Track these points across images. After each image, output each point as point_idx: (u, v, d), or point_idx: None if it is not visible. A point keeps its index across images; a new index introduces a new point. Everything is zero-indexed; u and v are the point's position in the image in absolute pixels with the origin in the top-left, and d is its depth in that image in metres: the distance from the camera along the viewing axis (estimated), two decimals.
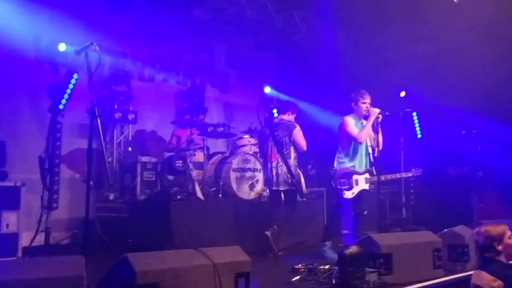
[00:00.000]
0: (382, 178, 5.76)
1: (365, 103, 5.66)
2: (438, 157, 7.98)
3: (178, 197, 6.19)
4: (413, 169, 6.22)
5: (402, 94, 8.33)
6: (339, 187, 5.56)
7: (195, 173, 6.67)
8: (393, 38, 8.72)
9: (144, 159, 7.09)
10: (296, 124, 6.14)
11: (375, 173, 5.64)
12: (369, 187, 5.68)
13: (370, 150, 5.80)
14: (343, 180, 5.57)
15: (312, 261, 5.08)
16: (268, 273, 4.99)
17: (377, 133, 5.55)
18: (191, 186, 6.54)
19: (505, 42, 7.27)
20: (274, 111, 9.13)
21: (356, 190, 5.58)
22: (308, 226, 6.93)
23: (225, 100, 9.26)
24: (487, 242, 3.48)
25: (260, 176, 6.79)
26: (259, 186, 6.75)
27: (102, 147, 3.71)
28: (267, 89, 9.20)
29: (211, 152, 7.34)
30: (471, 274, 5.00)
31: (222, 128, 7.31)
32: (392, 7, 7.65)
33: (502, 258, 3.47)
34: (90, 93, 3.67)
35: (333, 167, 5.83)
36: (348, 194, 5.55)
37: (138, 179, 6.89)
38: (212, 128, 7.23)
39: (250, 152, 6.99)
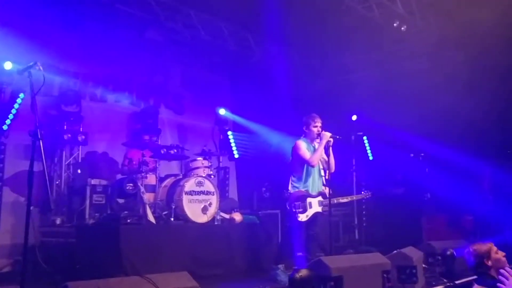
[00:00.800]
0: (335, 201, 5.84)
1: (316, 126, 5.74)
2: (388, 180, 8.18)
3: (128, 220, 6.01)
4: (363, 192, 6.33)
5: (354, 117, 8.54)
6: (294, 210, 5.59)
7: (146, 196, 6.52)
8: (346, 63, 8.96)
9: (94, 181, 6.87)
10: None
11: (328, 195, 5.67)
12: (322, 209, 5.73)
13: (322, 173, 5.88)
14: (297, 203, 5.60)
15: (265, 284, 5.04)
16: None
17: (329, 156, 5.65)
18: (142, 210, 6.38)
19: (451, 67, 7.61)
20: (229, 133, 9.18)
21: (310, 213, 5.63)
22: (263, 248, 6.89)
23: (179, 122, 9.17)
24: (477, 260, 3.80)
25: (213, 199, 6.72)
26: (212, 209, 6.66)
27: (44, 170, 3.56)
28: (222, 111, 9.22)
29: (163, 174, 7.22)
30: None
31: (175, 150, 7.20)
32: (345, 33, 7.88)
33: (493, 272, 3.73)
34: (33, 114, 3.53)
35: (287, 190, 5.86)
36: (302, 217, 5.59)
37: (87, 202, 6.65)
38: (165, 150, 7.12)
39: (204, 175, 6.92)
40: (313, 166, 5.69)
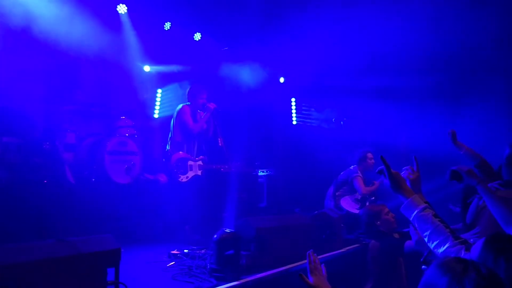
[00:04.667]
0: (214, 166, 6.15)
1: (203, 98, 6.05)
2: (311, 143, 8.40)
3: (45, 181, 5.70)
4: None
5: (282, 80, 8.57)
6: (174, 170, 5.79)
7: (65, 155, 6.20)
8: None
9: (6, 139, 6.39)
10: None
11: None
12: (201, 173, 6.01)
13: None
14: (179, 164, 5.83)
15: (180, 246, 5.07)
16: (145, 260, 4.84)
17: (215, 126, 6.03)
18: (61, 169, 6.07)
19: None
20: (159, 90, 8.86)
21: (190, 174, 5.88)
22: (187, 209, 6.84)
23: (103, 78, 8.67)
24: (369, 219, 4.20)
25: (137, 159, 6.53)
26: (135, 170, 6.48)
27: None
28: (147, 68, 8.83)
29: (84, 133, 6.88)
30: (339, 252, 5.41)
31: (97, 108, 6.88)
32: None
33: (383, 229, 4.16)
34: None
35: (167, 151, 6.01)
36: (183, 178, 5.83)
37: None
38: (86, 107, 6.77)
39: (127, 135, 6.68)
40: (193, 134, 5.96)
